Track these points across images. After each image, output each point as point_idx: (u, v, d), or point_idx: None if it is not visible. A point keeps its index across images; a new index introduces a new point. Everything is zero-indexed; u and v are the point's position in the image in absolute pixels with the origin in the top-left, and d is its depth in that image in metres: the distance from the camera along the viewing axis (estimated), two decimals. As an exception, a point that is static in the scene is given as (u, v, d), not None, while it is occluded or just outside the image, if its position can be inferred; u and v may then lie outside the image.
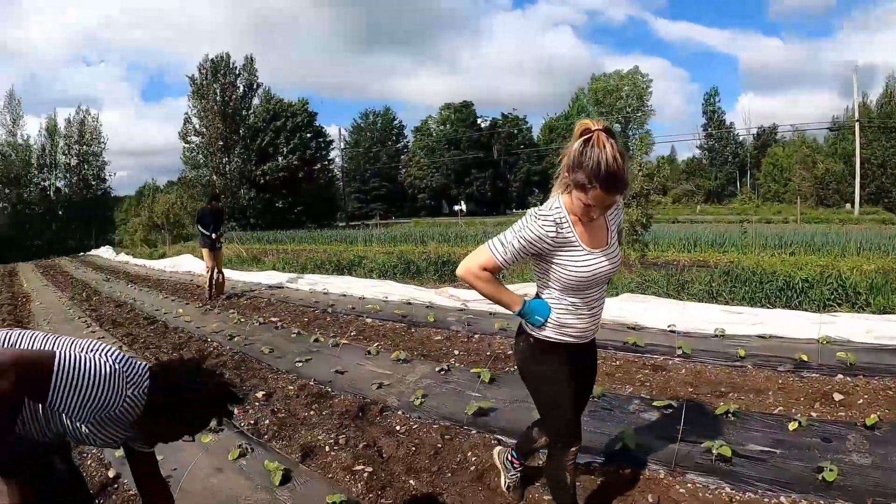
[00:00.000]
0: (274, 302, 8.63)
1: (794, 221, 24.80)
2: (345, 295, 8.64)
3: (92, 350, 1.60)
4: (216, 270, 9.29)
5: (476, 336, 5.59)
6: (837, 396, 3.45)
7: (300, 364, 4.99)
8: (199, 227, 9.40)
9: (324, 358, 5.16)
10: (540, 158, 59.65)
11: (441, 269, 10.01)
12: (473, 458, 3.04)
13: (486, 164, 60.81)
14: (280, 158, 45.22)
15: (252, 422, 3.72)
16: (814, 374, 3.88)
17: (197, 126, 44.39)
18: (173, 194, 35.41)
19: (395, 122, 67.92)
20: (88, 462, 3.27)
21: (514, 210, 58.44)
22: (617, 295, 6.38)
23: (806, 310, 5.60)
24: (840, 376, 3.80)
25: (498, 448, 2.75)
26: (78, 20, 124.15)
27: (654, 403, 3.45)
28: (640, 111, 59.73)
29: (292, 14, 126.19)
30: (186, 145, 44.92)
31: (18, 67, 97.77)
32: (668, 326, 5.27)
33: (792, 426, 2.99)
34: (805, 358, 4.07)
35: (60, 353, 1.48)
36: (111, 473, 3.08)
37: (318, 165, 50.13)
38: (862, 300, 5.83)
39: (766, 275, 6.49)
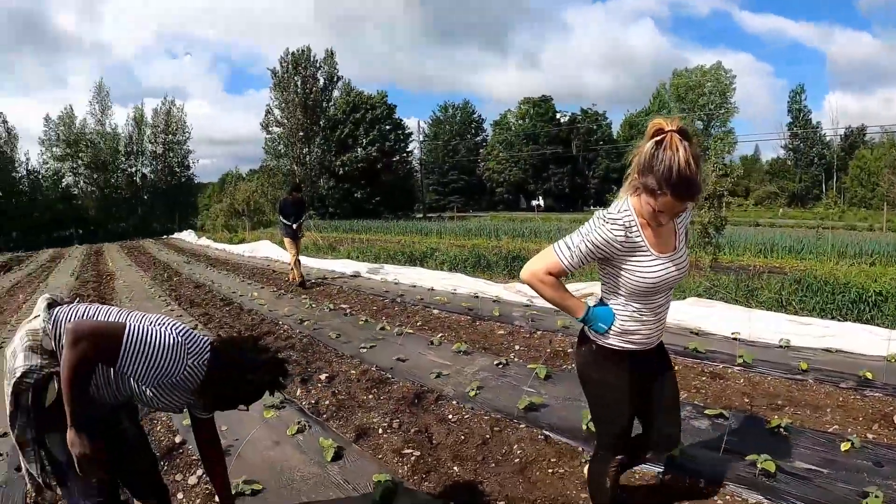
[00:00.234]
0: (346, 290, 8.91)
1: (879, 229, 22.89)
2: (415, 286, 8.79)
3: (158, 324, 1.78)
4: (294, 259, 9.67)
5: (538, 332, 5.55)
6: (897, 419, 3.18)
7: (364, 350, 5.16)
8: (281, 218, 9.71)
9: (388, 345, 5.30)
10: (619, 155, 57.45)
11: (511, 264, 9.98)
12: (518, 451, 3.05)
13: (565, 160, 59.71)
14: (359, 150, 46.37)
15: (313, 401, 3.91)
16: (877, 394, 3.59)
17: (278, 117, 46.32)
18: (254, 182, 36.65)
19: (475, 115, 68.18)
20: (158, 428, 3.57)
21: (591, 206, 57.06)
22: (683, 298, 6.13)
23: (878, 325, 5.14)
24: (903, 398, 3.49)
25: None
26: (166, 14, 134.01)
27: (706, 412, 3.35)
28: (723, 108, 56.29)
29: (374, 8, 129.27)
30: (268, 135, 47.15)
31: (107, 60, 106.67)
32: (732, 334, 5.04)
33: (844, 446, 2.82)
34: (869, 376, 3.81)
35: (130, 324, 1.70)
36: (177, 439, 3.36)
37: (397, 157, 51.00)
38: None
39: (838, 285, 6.04)
